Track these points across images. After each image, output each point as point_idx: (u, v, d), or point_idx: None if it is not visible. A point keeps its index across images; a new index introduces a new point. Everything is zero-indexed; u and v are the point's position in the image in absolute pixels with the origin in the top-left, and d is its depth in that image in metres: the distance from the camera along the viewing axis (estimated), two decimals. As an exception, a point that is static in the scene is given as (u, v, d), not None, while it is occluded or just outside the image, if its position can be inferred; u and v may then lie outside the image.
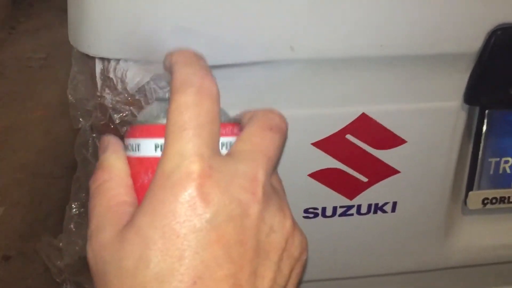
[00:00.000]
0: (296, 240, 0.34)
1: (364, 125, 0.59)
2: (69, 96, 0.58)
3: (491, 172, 0.68)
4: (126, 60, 0.53)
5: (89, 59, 0.55)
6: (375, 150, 0.61)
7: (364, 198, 0.65)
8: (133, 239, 0.30)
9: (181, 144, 0.30)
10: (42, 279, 1.71)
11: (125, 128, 0.56)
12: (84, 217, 0.63)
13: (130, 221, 0.31)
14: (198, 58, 0.35)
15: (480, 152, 0.66)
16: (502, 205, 0.69)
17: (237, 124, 0.35)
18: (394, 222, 0.67)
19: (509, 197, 0.69)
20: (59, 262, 0.69)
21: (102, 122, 0.56)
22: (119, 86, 0.54)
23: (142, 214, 0.30)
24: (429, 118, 0.61)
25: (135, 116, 0.56)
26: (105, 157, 0.35)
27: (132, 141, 0.35)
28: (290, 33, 0.53)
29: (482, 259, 0.73)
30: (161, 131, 0.32)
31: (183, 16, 0.52)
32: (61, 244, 0.69)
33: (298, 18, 0.53)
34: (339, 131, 0.59)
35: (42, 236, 0.76)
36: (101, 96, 0.55)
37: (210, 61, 0.54)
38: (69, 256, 0.66)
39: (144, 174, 0.33)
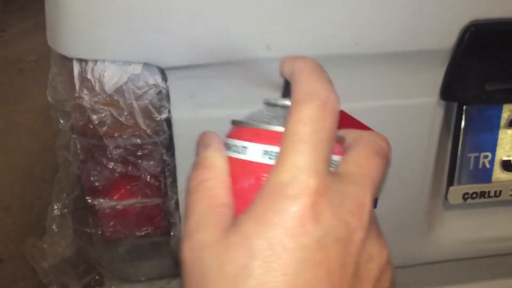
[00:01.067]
0: (389, 273, 0.34)
1: (342, 122, 0.60)
2: (49, 97, 0.58)
3: (471, 167, 0.69)
4: (103, 61, 0.54)
5: (67, 61, 0.55)
6: (354, 147, 0.62)
7: (345, 195, 0.65)
8: (239, 246, 0.29)
9: (300, 156, 0.30)
10: (33, 282, 1.71)
11: (104, 129, 0.57)
12: (66, 219, 0.64)
13: (236, 226, 0.30)
14: (323, 69, 0.34)
15: (459, 148, 0.67)
16: (482, 200, 0.70)
17: (341, 143, 0.35)
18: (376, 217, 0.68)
19: (489, 192, 0.70)
20: (44, 264, 0.69)
21: (81, 123, 0.57)
22: (97, 87, 0.54)
23: (250, 221, 0.29)
24: (407, 114, 0.61)
25: (115, 117, 0.57)
26: (207, 155, 0.34)
27: (238, 143, 0.33)
28: (266, 33, 0.54)
29: (465, 253, 0.74)
30: (272, 138, 0.32)
31: (162, 16, 0.52)
32: (45, 245, 0.69)
33: (274, 17, 0.53)
34: (318, 128, 0.60)
35: (27, 238, 0.77)
36: (80, 97, 0.55)
37: (188, 61, 0.55)
38: (52, 257, 0.66)
39: (246, 178, 0.33)
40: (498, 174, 0.69)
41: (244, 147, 0.33)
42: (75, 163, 0.60)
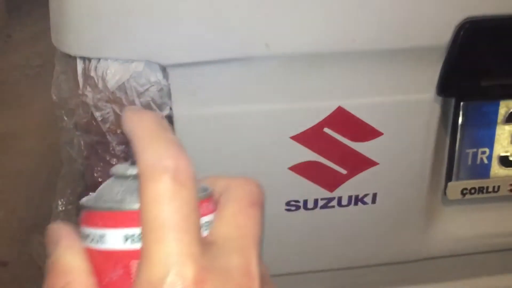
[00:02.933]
0: None
1: (341, 118, 0.61)
2: (53, 95, 0.60)
3: (469, 162, 0.70)
4: (106, 59, 0.55)
5: (71, 59, 0.57)
6: (352, 142, 0.63)
7: (344, 190, 0.66)
8: None
9: (167, 245, 0.26)
10: (39, 284, 1.72)
11: (107, 125, 0.58)
12: (70, 215, 0.65)
13: None
14: (164, 127, 0.29)
15: (457, 143, 0.68)
16: (481, 195, 0.71)
17: (210, 198, 0.31)
18: (375, 213, 0.69)
19: (487, 187, 0.70)
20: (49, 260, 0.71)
21: (84, 120, 0.58)
22: (100, 84, 0.56)
23: None
24: (404, 110, 0.62)
25: (118, 114, 0.58)
26: (58, 255, 0.29)
27: (93, 231, 0.29)
28: (264, 31, 0.55)
29: (464, 249, 0.75)
30: (130, 219, 0.28)
31: (163, 15, 0.54)
32: (50, 242, 0.70)
33: (272, 16, 0.55)
34: (316, 124, 0.61)
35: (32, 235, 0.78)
36: (83, 95, 0.56)
37: (189, 59, 0.57)
38: (57, 252, 0.67)
39: (111, 270, 0.29)
40: (496, 169, 0.70)
41: (102, 235, 0.29)
42: (78, 160, 0.61)
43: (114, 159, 0.60)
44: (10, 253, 1.87)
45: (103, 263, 0.29)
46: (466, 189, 0.70)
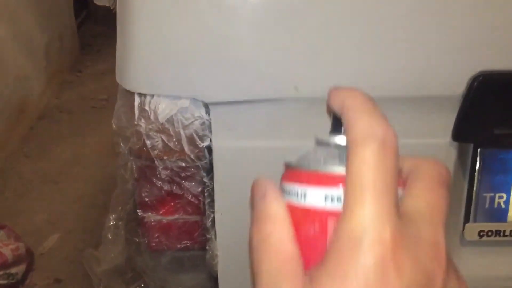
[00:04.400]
0: None
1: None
2: (113, 124, 0.70)
3: (487, 206, 0.73)
4: (158, 96, 0.65)
5: (130, 94, 0.67)
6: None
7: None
8: None
9: (369, 205, 0.28)
10: (88, 301, 1.84)
11: (156, 152, 0.67)
12: (121, 228, 0.74)
13: (312, 284, 0.29)
14: (374, 103, 0.31)
15: (475, 188, 0.72)
16: (498, 238, 0.74)
17: (399, 173, 0.32)
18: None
19: (504, 231, 0.74)
20: (98, 270, 0.80)
21: (137, 146, 0.68)
22: (152, 117, 0.65)
23: (328, 276, 0.28)
24: (422, 153, 0.68)
25: (165, 143, 0.68)
26: (265, 206, 0.32)
27: (296, 188, 0.32)
28: (294, 75, 0.63)
29: (481, 290, 0.78)
30: (332, 180, 0.30)
31: (207, 61, 0.63)
32: (100, 253, 0.80)
33: (300, 62, 0.63)
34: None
35: (85, 249, 0.88)
36: (138, 125, 0.66)
37: (228, 98, 0.65)
38: (105, 263, 0.76)
39: (310, 226, 0.31)
40: (514, 214, 0.74)
41: (304, 192, 0.31)
42: (130, 181, 0.71)
43: (160, 182, 0.69)
44: (65, 271, 1.99)
45: (302, 218, 0.31)
46: (483, 231, 0.74)
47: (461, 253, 0.77)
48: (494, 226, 0.73)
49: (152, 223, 0.71)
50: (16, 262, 1.80)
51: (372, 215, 0.28)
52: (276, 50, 0.62)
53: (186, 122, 0.66)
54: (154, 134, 0.66)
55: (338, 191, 0.30)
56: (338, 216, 0.29)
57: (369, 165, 0.28)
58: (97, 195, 2.40)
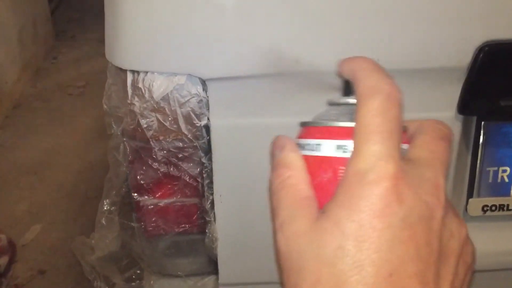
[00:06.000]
0: (470, 248, 0.36)
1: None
2: (104, 104, 0.66)
3: (490, 180, 0.72)
4: (153, 72, 0.61)
5: (122, 72, 0.63)
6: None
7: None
8: (331, 230, 0.31)
9: (375, 146, 0.31)
10: (74, 291, 1.80)
11: (151, 132, 0.64)
12: (114, 213, 0.71)
13: (325, 214, 0.32)
14: (380, 66, 0.36)
15: (478, 162, 0.71)
16: (501, 213, 0.73)
17: (405, 132, 0.37)
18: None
19: (508, 205, 0.73)
20: (91, 258, 0.77)
21: (131, 127, 0.64)
22: (147, 95, 0.62)
23: (338, 207, 0.32)
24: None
25: (161, 122, 0.64)
26: (284, 155, 0.36)
27: (311, 141, 0.36)
28: (294, 49, 0.60)
29: (484, 265, 0.77)
30: (343, 133, 0.34)
31: (204, 35, 0.60)
32: (93, 241, 0.76)
33: (300, 35, 0.60)
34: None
35: (76, 237, 0.84)
36: (131, 104, 0.63)
37: (226, 74, 0.62)
38: (100, 250, 0.73)
39: (323, 173, 0.35)
40: (517, 188, 0.73)
41: (318, 144, 0.35)
42: (124, 164, 0.67)
43: (156, 163, 0.66)
44: (48, 262, 1.95)
45: (316, 167, 0.35)
46: (487, 206, 0.73)
47: (464, 229, 0.75)
48: (498, 200, 0.72)
49: (149, 207, 0.68)
50: (-3, 254, 1.75)
51: (377, 154, 0.31)
52: (276, 22, 0.59)
53: (183, 100, 0.63)
54: (149, 113, 0.63)
55: (348, 142, 0.34)
56: None
57: (375, 112, 0.32)
58: (77, 184, 2.34)
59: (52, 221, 2.15)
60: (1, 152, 2.58)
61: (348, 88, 0.37)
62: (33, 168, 2.46)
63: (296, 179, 0.35)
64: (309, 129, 0.37)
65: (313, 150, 0.36)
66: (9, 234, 1.88)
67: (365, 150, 0.32)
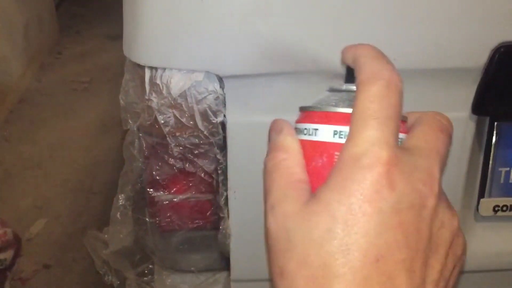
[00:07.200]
0: (460, 240, 0.36)
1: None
2: (121, 100, 0.67)
3: (502, 181, 0.73)
4: (171, 69, 0.62)
5: (140, 68, 0.63)
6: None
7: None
8: (321, 213, 0.31)
9: (371, 131, 0.31)
10: (80, 285, 1.81)
11: (168, 128, 0.65)
12: (128, 209, 0.71)
13: (316, 196, 0.32)
14: (383, 54, 0.36)
15: (491, 162, 0.72)
16: (512, 213, 0.73)
17: (404, 122, 0.37)
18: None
19: (519, 205, 0.73)
20: (104, 252, 0.77)
21: (148, 123, 0.65)
22: (164, 91, 0.62)
23: (329, 190, 0.32)
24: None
25: (178, 119, 0.65)
26: (281, 138, 0.37)
27: (308, 126, 0.36)
28: (311, 48, 0.61)
29: (495, 265, 0.77)
30: (341, 119, 0.34)
31: (222, 33, 0.60)
32: (106, 235, 0.77)
33: (318, 34, 0.60)
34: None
35: (88, 230, 0.85)
36: (149, 100, 0.63)
37: (243, 71, 0.63)
38: (113, 244, 0.74)
39: (319, 157, 0.35)
40: (528, 189, 0.73)
41: (315, 129, 0.35)
42: (139, 159, 0.68)
43: (171, 159, 0.66)
44: (53, 257, 1.96)
45: (312, 151, 0.35)
46: (498, 206, 0.73)
47: (476, 229, 0.76)
48: (509, 200, 0.73)
49: (163, 203, 0.68)
50: (3, 248, 1.76)
51: (372, 139, 0.31)
52: (295, 20, 0.59)
53: (200, 97, 0.63)
54: (166, 109, 0.63)
55: (345, 128, 0.33)
56: None
57: (373, 98, 0.32)
58: (82, 179, 2.35)
59: (57, 216, 2.16)
60: (6, 146, 2.59)
61: (350, 75, 0.37)
62: (38, 163, 2.47)
63: (290, 162, 0.35)
64: (307, 113, 0.37)
65: (310, 134, 0.36)
66: (14, 228, 1.89)
67: (360, 135, 0.32)
